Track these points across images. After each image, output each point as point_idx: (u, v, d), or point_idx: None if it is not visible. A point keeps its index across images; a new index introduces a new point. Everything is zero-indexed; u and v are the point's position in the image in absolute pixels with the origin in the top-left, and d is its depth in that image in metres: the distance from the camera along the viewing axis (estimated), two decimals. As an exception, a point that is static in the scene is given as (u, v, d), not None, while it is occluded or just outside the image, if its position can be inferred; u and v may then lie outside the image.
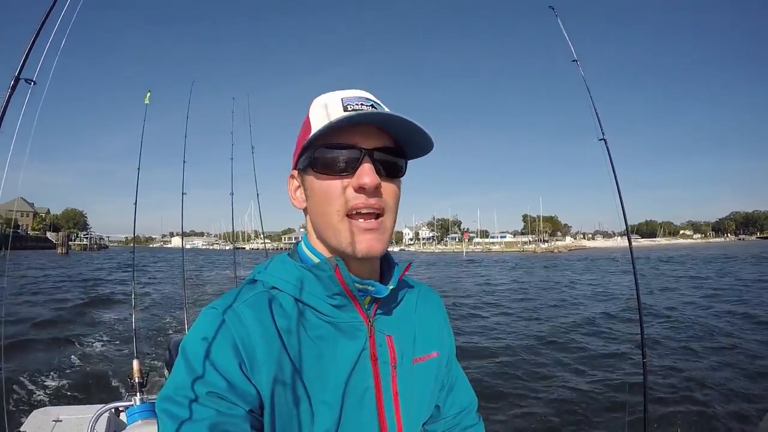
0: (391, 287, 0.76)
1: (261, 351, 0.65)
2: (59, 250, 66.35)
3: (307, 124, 0.74)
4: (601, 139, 2.47)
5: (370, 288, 0.74)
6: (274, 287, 0.73)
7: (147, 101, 4.00)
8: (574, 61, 2.65)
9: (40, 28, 0.89)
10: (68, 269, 29.02)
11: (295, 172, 0.79)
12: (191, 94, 4.70)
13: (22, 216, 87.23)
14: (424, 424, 0.87)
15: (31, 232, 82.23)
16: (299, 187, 0.78)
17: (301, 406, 0.67)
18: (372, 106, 0.72)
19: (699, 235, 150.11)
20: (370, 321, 0.76)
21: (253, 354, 0.65)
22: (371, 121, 0.70)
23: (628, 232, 2.47)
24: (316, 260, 0.75)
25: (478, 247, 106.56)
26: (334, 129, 0.68)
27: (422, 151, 0.77)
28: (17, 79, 0.82)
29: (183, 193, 4.25)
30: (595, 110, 2.51)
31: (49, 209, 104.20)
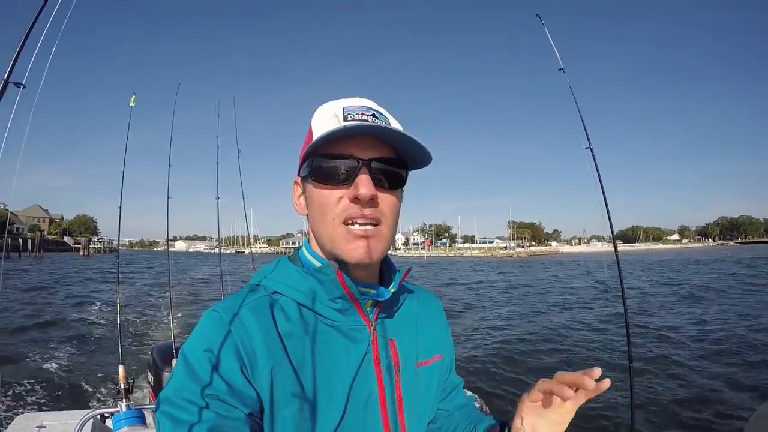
0: (392, 290, 0.76)
1: (262, 354, 0.65)
2: (81, 252, 74.46)
3: (309, 133, 0.75)
4: (587, 148, 2.49)
5: (371, 291, 0.74)
6: (276, 292, 0.73)
7: (132, 103, 3.95)
8: (560, 69, 2.67)
9: (30, 30, 0.88)
10: (102, 264, 38.58)
11: (299, 179, 0.79)
12: (177, 95, 4.67)
13: (39, 222, 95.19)
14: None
15: (49, 237, 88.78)
16: (302, 194, 0.79)
17: (302, 411, 0.66)
18: (373, 115, 0.72)
19: (686, 240, 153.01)
20: (372, 325, 0.75)
21: (254, 357, 0.65)
22: (367, 132, 0.70)
23: (614, 238, 2.50)
24: (318, 264, 0.75)
25: (452, 252, 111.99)
26: (332, 139, 0.68)
27: (419, 164, 0.77)
28: (6, 83, 0.82)
29: (168, 197, 4.19)
30: (582, 119, 2.53)
31: (62, 215, 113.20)
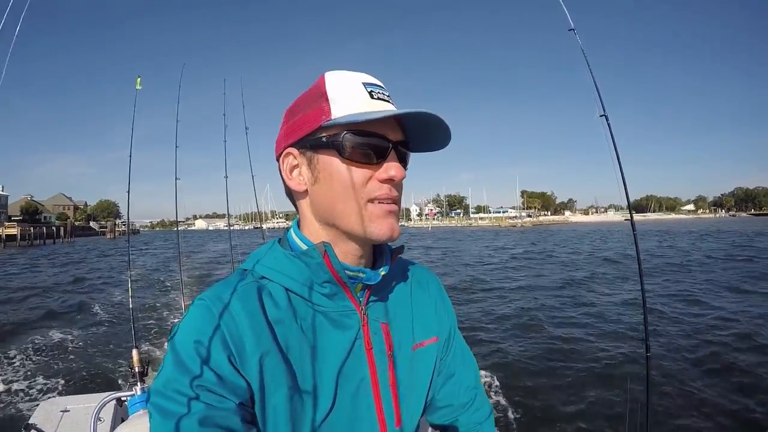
0: (382, 273, 0.74)
1: (250, 343, 0.64)
2: (108, 236, 79.69)
3: (323, 100, 0.69)
4: (602, 116, 2.34)
5: (360, 275, 0.72)
6: (264, 277, 0.71)
7: (138, 86, 3.90)
8: (571, 30, 2.47)
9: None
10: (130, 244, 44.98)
11: (295, 151, 0.72)
12: (182, 76, 4.60)
13: (65, 209, 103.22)
14: (424, 413, 0.84)
15: (76, 223, 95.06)
16: (297, 166, 0.72)
17: (292, 398, 0.66)
18: (389, 95, 0.72)
19: (701, 210, 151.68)
20: (362, 309, 0.74)
21: (242, 346, 0.64)
22: (428, 119, 0.69)
23: (630, 210, 2.39)
24: (304, 247, 0.72)
25: (463, 222, 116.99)
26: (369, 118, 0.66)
27: (429, 149, 0.76)
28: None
29: (176, 179, 4.20)
30: (596, 85, 2.37)
31: (86, 202, 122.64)
